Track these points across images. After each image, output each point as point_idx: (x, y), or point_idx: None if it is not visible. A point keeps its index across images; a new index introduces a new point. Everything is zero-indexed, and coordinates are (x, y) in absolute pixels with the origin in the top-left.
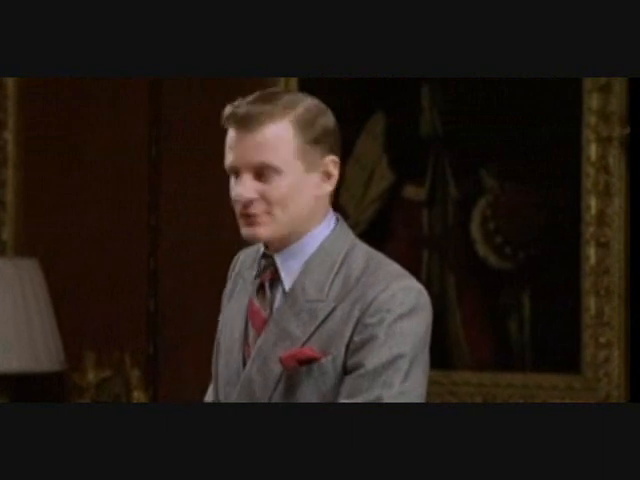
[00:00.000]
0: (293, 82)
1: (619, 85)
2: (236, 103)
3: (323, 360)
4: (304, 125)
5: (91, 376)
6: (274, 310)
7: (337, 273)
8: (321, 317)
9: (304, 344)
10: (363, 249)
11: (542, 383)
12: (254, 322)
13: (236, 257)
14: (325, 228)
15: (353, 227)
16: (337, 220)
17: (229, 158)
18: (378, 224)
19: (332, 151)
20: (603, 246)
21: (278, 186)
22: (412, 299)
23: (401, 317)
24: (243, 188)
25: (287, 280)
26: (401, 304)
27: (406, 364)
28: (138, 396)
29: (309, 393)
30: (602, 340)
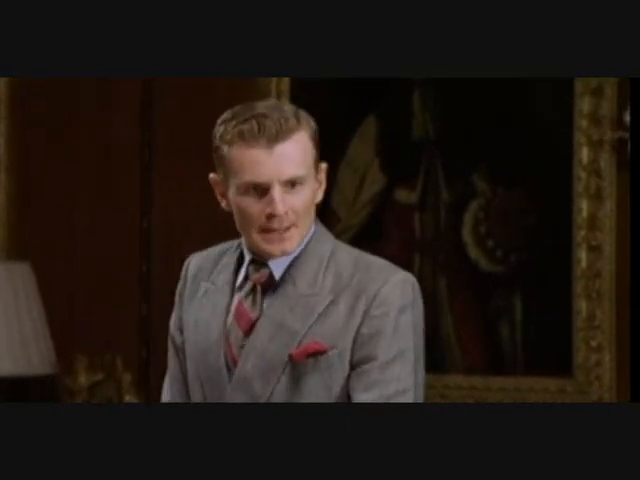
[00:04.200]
0: (285, 83)
1: (610, 88)
2: (239, 119)
3: (330, 353)
4: (313, 134)
5: (83, 379)
6: (264, 309)
7: (327, 268)
8: (318, 310)
9: (304, 337)
10: (346, 248)
11: (534, 386)
12: (240, 323)
13: (187, 261)
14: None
15: (345, 230)
16: (316, 223)
17: (254, 175)
18: (370, 227)
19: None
20: (594, 249)
21: (302, 196)
22: (410, 291)
23: (404, 309)
24: (280, 203)
25: (279, 280)
26: (402, 296)
27: (412, 356)
28: (130, 399)
29: (315, 386)
30: (593, 343)
